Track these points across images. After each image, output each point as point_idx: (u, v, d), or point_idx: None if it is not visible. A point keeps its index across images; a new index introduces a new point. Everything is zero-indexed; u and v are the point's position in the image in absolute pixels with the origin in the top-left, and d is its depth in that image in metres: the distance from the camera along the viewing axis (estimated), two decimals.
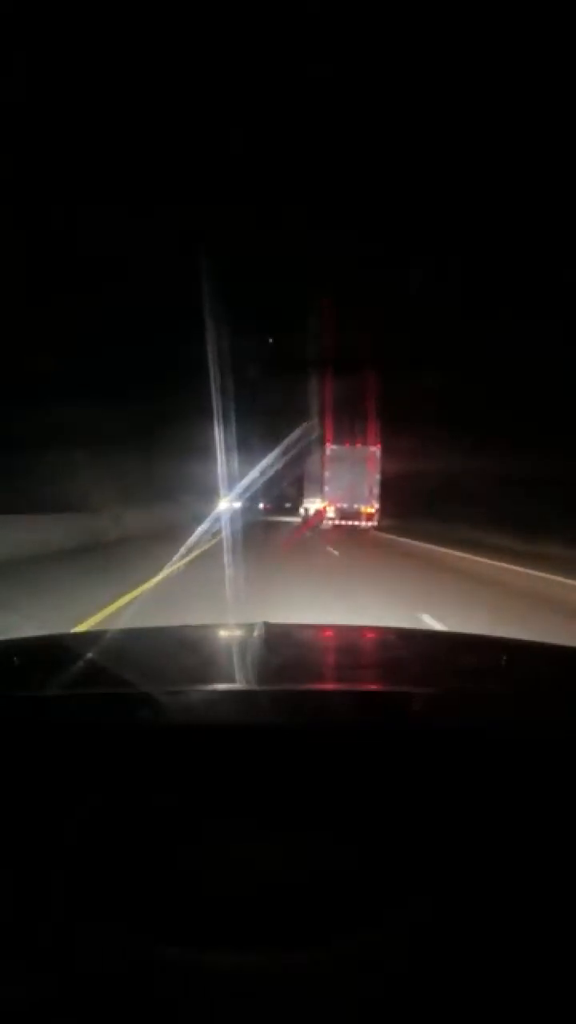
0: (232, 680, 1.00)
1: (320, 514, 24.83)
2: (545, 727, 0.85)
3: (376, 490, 24.11)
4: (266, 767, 0.78)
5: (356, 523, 24.13)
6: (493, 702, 0.95)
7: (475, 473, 22.61)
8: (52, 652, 1.25)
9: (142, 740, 0.81)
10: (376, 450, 24.17)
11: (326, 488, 24.11)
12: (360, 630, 2.30)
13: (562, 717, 0.88)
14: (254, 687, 0.92)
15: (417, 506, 27.04)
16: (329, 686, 1.09)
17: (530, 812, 0.75)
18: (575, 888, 0.68)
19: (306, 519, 32.48)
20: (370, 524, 24.07)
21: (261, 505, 49.74)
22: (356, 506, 23.99)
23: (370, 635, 1.92)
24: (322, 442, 24.76)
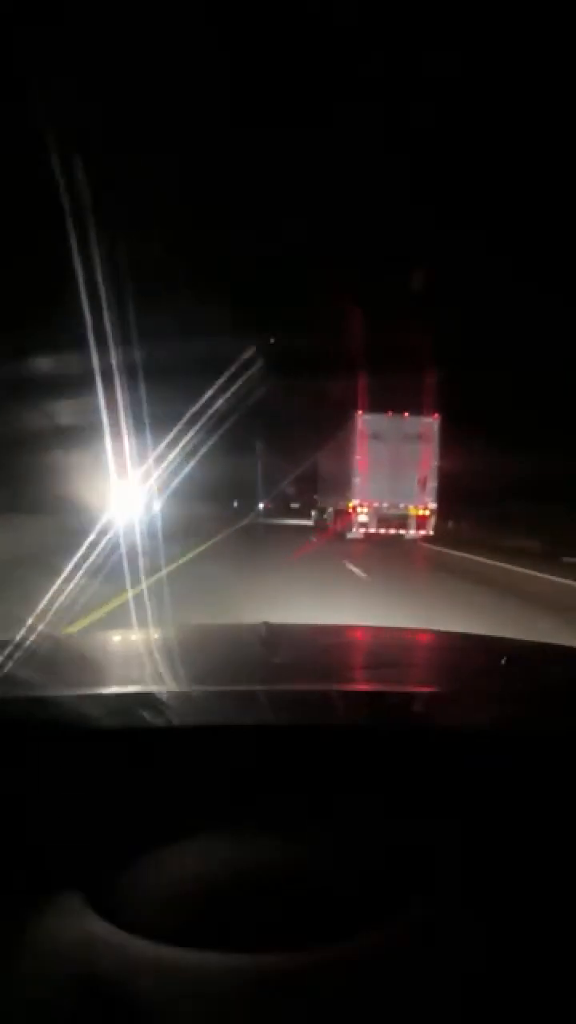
0: (233, 680, 1.00)
1: (347, 518, 17.00)
2: (545, 727, 0.85)
3: (433, 483, 16.31)
4: (267, 767, 0.78)
5: (402, 531, 16.33)
6: (493, 702, 0.93)
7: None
8: (52, 652, 1.25)
9: (142, 740, 0.80)
10: (434, 422, 16.36)
11: (355, 480, 16.31)
12: (361, 630, 2.28)
13: (562, 717, 0.88)
14: (255, 687, 0.93)
15: (472, 509, 19.68)
16: (330, 686, 1.02)
17: (531, 811, 0.75)
18: None
19: (321, 524, 24.74)
20: (421, 533, 16.27)
21: (261, 505, 42.82)
22: (402, 505, 16.19)
23: (371, 635, 1.92)
24: (351, 412, 16.90)
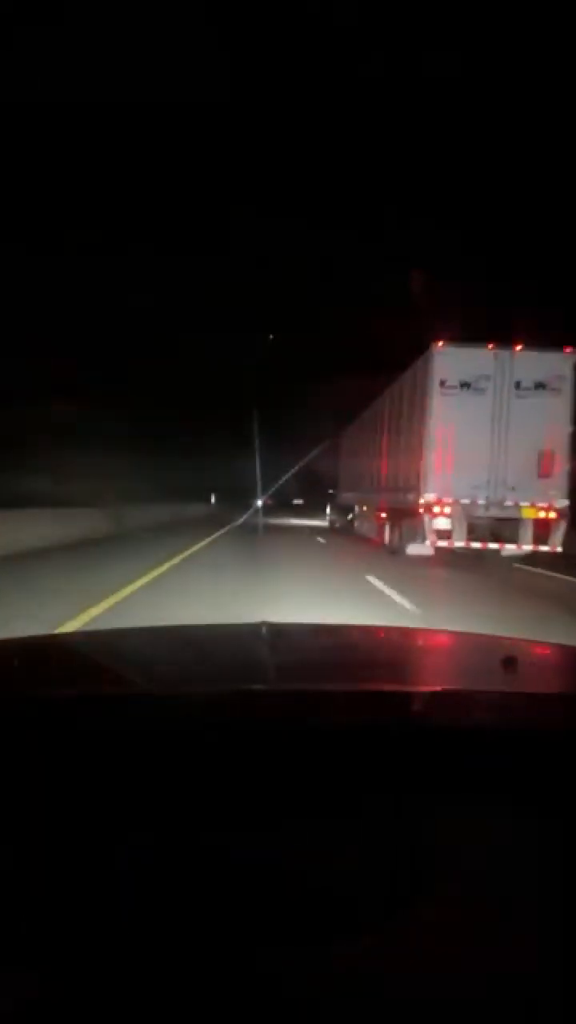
0: (233, 680, 1.00)
1: (412, 522, 10.36)
2: (545, 727, 0.84)
3: (565, 464, 9.66)
4: (267, 768, 0.78)
5: (510, 545, 9.70)
6: (493, 702, 0.93)
7: None
8: (52, 652, 1.23)
9: (142, 741, 0.80)
10: (568, 360, 9.69)
11: (429, 457, 9.66)
12: (361, 629, 2.32)
13: (562, 717, 0.88)
14: (255, 687, 0.94)
15: None
16: (330, 686, 1.03)
17: (531, 811, 0.76)
18: None
19: (344, 526, 18.08)
20: (542, 548, 9.64)
21: (259, 502, 36.37)
22: (510, 502, 9.55)
23: (371, 634, 1.93)
24: (424, 348, 10.22)
